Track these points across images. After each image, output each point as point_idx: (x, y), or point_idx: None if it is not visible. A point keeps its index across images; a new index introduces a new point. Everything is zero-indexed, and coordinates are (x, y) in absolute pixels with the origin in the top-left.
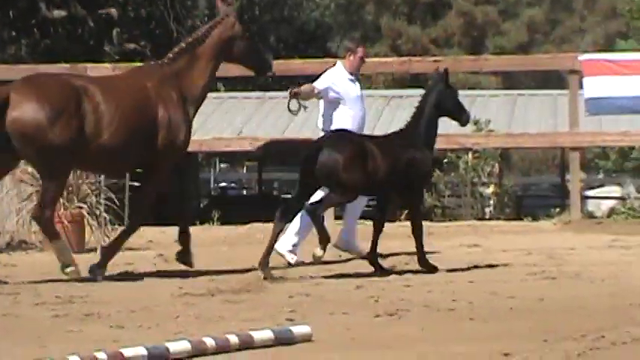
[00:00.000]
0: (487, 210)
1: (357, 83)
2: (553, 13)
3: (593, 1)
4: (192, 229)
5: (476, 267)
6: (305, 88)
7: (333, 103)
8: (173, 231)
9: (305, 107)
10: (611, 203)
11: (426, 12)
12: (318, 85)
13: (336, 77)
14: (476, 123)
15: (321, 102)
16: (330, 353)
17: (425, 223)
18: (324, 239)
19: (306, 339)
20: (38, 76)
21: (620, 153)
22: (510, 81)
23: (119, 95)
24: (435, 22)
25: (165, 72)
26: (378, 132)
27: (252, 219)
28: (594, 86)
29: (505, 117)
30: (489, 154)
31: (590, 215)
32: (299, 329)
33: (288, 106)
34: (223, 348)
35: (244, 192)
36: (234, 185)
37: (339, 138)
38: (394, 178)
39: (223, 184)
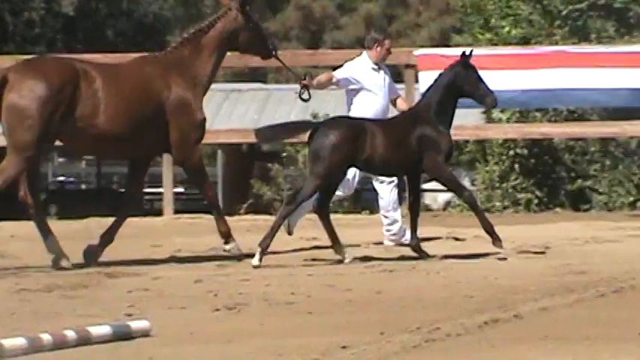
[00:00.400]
0: None
1: (383, 72)
2: (390, 8)
3: None
4: (28, 224)
5: (314, 260)
6: (320, 78)
7: (354, 92)
8: (9, 226)
9: (307, 99)
10: (447, 196)
11: (265, 6)
12: (338, 74)
13: (358, 67)
14: (315, 117)
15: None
16: (168, 348)
17: (264, 217)
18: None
19: (145, 334)
20: (39, 58)
21: (455, 147)
22: None
23: (121, 81)
24: (274, 15)
25: (169, 60)
26: (218, 126)
27: (91, 213)
28: (430, 80)
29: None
30: None
31: (427, 208)
32: (137, 324)
33: (300, 96)
34: (60, 344)
35: (83, 186)
36: (72, 179)
37: (332, 122)
38: (402, 158)
39: (62, 178)
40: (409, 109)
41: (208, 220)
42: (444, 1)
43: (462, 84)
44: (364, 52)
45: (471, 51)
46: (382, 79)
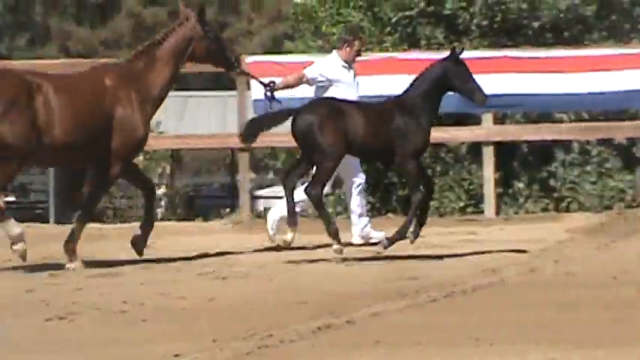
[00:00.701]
0: (159, 211)
1: (352, 71)
2: (222, 15)
3: (259, 4)
4: None
5: (148, 268)
6: (289, 79)
7: (323, 89)
8: None
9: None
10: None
11: (95, 13)
12: (308, 72)
13: (329, 64)
14: None
15: (313, 88)
16: None
17: (97, 226)
18: (292, 223)
19: None
20: None
21: (288, 153)
22: (180, 82)
23: (73, 92)
24: (105, 23)
25: (124, 72)
26: None
27: None
28: (261, 88)
29: (176, 118)
30: (160, 156)
31: (260, 215)
32: None
33: (270, 103)
34: None
35: None
36: None
37: (316, 103)
38: (380, 144)
39: None
40: (392, 98)
41: (40, 228)
42: (275, 9)
43: (451, 78)
44: (334, 51)
45: (462, 48)
46: (352, 77)
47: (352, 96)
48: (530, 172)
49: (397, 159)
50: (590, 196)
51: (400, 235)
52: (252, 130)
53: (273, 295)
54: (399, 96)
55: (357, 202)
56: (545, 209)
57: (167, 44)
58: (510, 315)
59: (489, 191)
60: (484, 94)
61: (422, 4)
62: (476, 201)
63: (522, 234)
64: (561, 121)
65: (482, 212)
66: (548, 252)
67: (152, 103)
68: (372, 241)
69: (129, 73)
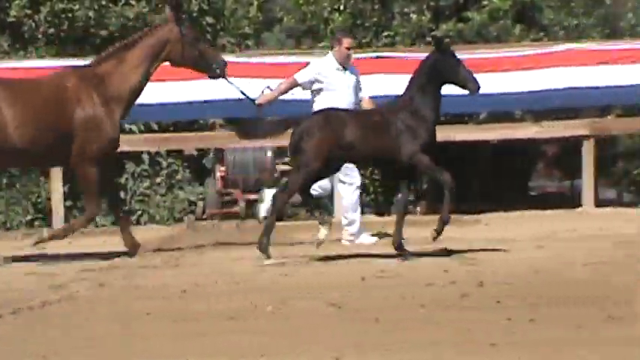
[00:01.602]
0: None
1: (349, 73)
2: None
3: None
4: None
5: None
6: (280, 87)
7: (318, 92)
8: None
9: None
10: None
11: None
12: (300, 77)
13: (322, 66)
14: None
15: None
16: None
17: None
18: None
19: None
20: None
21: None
22: None
23: (30, 96)
24: None
25: (88, 74)
26: None
27: None
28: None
29: None
30: None
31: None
32: None
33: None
34: None
35: None
36: None
37: (314, 116)
38: (380, 151)
39: None
40: (391, 102)
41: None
42: None
43: (443, 71)
44: (329, 53)
45: (442, 37)
46: (348, 79)
47: (348, 101)
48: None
49: (406, 156)
50: (160, 208)
51: (439, 230)
52: (247, 131)
53: None
54: (397, 98)
55: (351, 203)
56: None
57: (139, 46)
58: (80, 330)
59: (57, 205)
60: (477, 82)
61: None
62: (44, 214)
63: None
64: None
65: (49, 226)
66: (118, 266)
67: (120, 104)
68: (360, 242)
69: (93, 76)
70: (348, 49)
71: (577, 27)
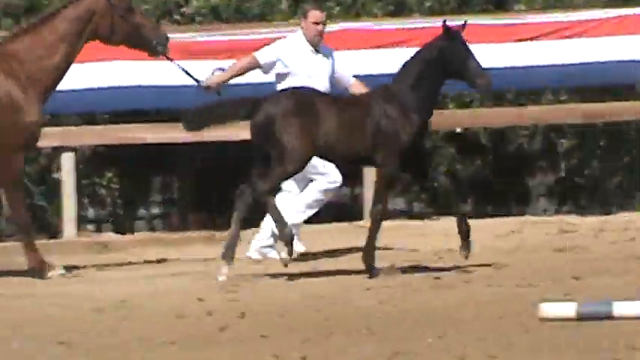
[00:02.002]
0: None
1: (321, 55)
2: None
3: None
4: None
5: None
6: (233, 66)
7: (283, 76)
8: None
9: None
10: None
11: None
12: (261, 56)
13: (289, 47)
14: None
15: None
16: None
17: None
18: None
19: None
20: None
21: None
22: None
23: None
24: None
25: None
26: None
27: None
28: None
29: None
30: None
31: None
32: None
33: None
34: None
35: None
36: None
37: (282, 93)
38: (358, 143)
39: None
40: (374, 89)
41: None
42: None
43: (448, 62)
44: (299, 30)
45: (465, 22)
46: (319, 63)
47: (321, 87)
48: None
49: (379, 160)
50: None
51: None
52: (197, 119)
53: None
54: (384, 86)
55: (311, 200)
56: None
57: (58, 20)
58: None
59: None
60: (488, 78)
61: None
62: None
63: None
64: None
65: None
66: None
67: (39, 87)
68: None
69: (3, 55)
70: (317, 24)
71: None
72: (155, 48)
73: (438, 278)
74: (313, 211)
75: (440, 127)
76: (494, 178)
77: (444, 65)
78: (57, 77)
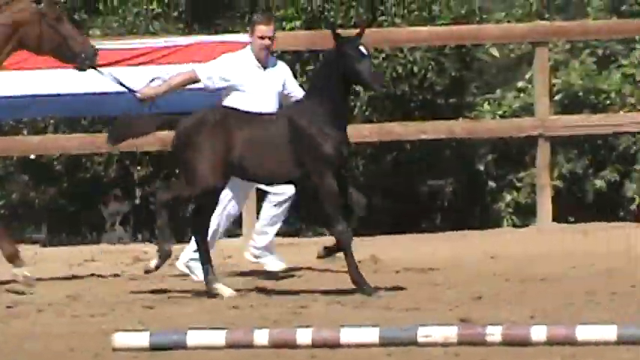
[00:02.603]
0: None
1: (270, 70)
2: None
3: None
4: None
5: None
6: (171, 81)
7: (227, 92)
8: None
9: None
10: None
11: None
12: (201, 72)
13: (234, 63)
14: None
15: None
16: None
17: None
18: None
19: None
20: None
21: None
22: None
23: None
24: None
25: None
26: None
27: None
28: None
29: None
30: None
31: None
32: None
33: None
34: None
35: None
36: None
37: (195, 113)
38: (278, 163)
39: None
40: (288, 106)
41: None
42: None
43: (343, 70)
44: (248, 45)
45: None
46: (266, 80)
47: (266, 106)
48: None
49: (311, 178)
50: None
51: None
52: (117, 133)
53: None
54: (297, 101)
55: (268, 217)
56: None
57: None
58: None
59: None
60: (380, 79)
61: None
62: None
63: None
64: None
65: None
66: None
67: None
68: (266, 267)
69: None
70: (262, 38)
71: None
72: (83, 62)
73: (11, 307)
74: (276, 227)
75: (13, 153)
76: (70, 205)
77: (339, 72)
78: None
